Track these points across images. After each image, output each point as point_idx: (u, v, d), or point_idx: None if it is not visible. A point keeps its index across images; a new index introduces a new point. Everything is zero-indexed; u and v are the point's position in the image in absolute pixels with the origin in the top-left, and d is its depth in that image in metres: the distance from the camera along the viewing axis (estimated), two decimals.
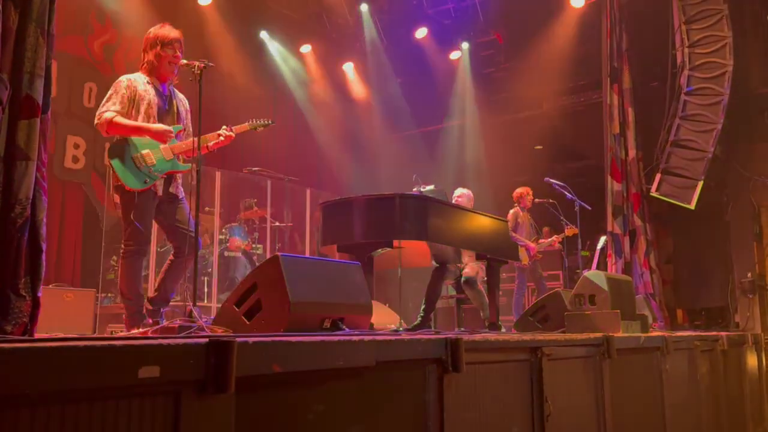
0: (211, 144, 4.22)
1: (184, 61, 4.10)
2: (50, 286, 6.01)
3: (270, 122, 4.55)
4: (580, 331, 4.36)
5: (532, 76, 10.18)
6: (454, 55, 11.20)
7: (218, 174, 7.92)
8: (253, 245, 8.03)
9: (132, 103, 4.06)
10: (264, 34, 10.31)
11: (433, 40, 10.93)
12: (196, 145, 3.90)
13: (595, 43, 8.46)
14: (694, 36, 7.04)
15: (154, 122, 4.09)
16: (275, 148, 10.48)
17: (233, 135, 4.30)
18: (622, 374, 4.04)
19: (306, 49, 10.91)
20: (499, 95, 11.13)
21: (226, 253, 7.73)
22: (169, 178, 4.15)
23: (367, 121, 11.60)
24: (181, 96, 4.41)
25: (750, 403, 6.44)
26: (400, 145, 11.46)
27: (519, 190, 8.54)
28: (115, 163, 4.00)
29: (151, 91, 4.15)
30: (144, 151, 4.06)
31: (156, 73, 4.21)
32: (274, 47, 10.52)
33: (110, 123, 3.97)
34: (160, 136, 4.05)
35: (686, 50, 7.05)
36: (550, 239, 8.47)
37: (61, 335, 3.09)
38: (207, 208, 7.81)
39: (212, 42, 9.38)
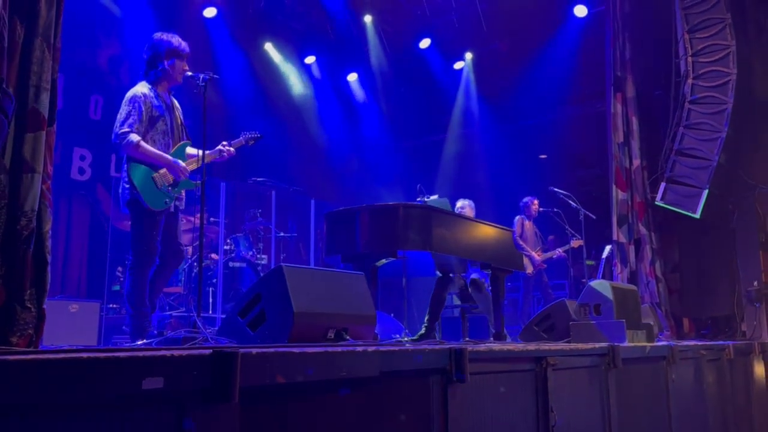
0: (208, 160, 4.30)
1: (189, 73, 4.16)
2: (55, 297, 6.02)
3: (259, 136, 4.69)
4: (585, 341, 4.35)
5: (536, 86, 10.19)
6: (458, 64, 11.23)
7: (223, 185, 7.95)
8: (258, 256, 8.03)
9: (147, 120, 4.12)
10: (269, 46, 10.37)
11: (436, 50, 10.97)
12: (200, 156, 3.99)
13: (598, 52, 8.48)
14: (697, 45, 7.04)
15: (167, 140, 4.21)
16: (280, 159, 10.51)
17: (233, 151, 4.45)
18: (627, 384, 4.02)
19: (310, 59, 10.96)
20: (503, 104, 11.15)
21: (230, 264, 7.74)
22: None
23: (372, 131, 11.62)
24: (177, 103, 4.45)
25: (758, 412, 6.40)
26: (404, 155, 11.48)
27: (525, 199, 8.56)
28: (137, 182, 4.04)
29: (163, 105, 4.24)
30: (162, 170, 4.15)
31: (163, 83, 4.28)
32: (278, 58, 10.57)
33: (136, 146, 4.02)
34: (177, 172, 4.14)
35: (690, 59, 7.04)
36: (554, 251, 8.47)
37: (66, 347, 3.10)
38: (212, 219, 7.83)
39: (217, 53, 9.43)
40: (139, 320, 4.08)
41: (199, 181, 4.15)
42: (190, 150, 4.36)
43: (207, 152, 4.07)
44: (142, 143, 4.04)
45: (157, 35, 4.31)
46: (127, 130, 4.03)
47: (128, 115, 4.06)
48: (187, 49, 4.28)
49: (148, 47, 4.31)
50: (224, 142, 4.45)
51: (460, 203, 6.99)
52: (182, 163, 4.18)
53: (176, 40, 4.28)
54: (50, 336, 4.75)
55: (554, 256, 8.45)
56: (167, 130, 4.22)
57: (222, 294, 7.41)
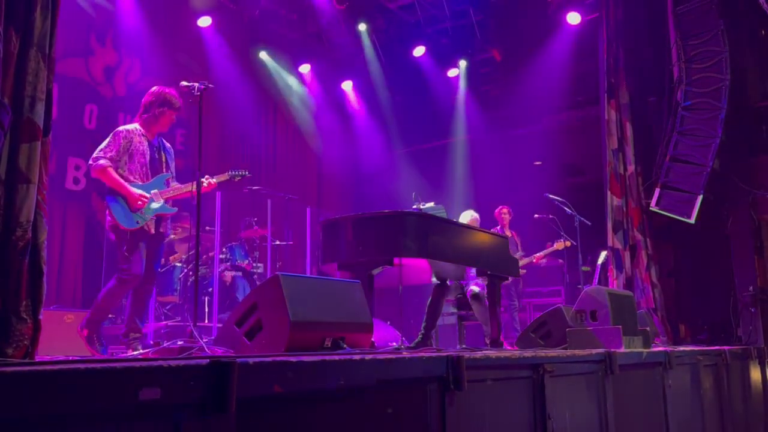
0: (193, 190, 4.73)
1: (185, 83, 4.26)
2: (51, 308, 5.99)
3: (246, 173, 5.18)
4: (581, 348, 4.35)
5: (530, 93, 10.22)
6: (452, 72, 11.27)
7: (218, 193, 7.94)
8: (254, 264, 8.02)
9: (126, 152, 4.61)
10: (263, 54, 10.38)
11: (431, 58, 11.00)
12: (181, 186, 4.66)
13: (592, 59, 8.52)
14: (690, 51, 7.08)
15: (145, 171, 4.67)
16: (275, 167, 10.52)
17: (214, 184, 4.87)
18: (624, 390, 4.03)
19: (305, 68, 10.98)
20: (498, 112, 11.18)
21: (226, 273, 7.70)
22: (159, 219, 4.69)
23: (366, 139, 11.64)
24: (168, 145, 4.96)
25: (755, 417, 6.40)
26: (400, 163, 11.49)
27: (498, 209, 8.57)
28: (111, 203, 4.53)
29: (145, 143, 4.71)
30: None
31: (152, 128, 4.76)
32: (273, 67, 10.58)
33: (103, 171, 4.51)
34: (133, 200, 4.53)
35: (683, 65, 7.08)
36: (531, 256, 8.47)
37: (62, 358, 3.08)
38: (207, 228, 7.81)
39: (212, 63, 9.44)
40: (96, 317, 4.53)
41: (175, 209, 4.75)
42: (174, 183, 4.81)
43: (188, 184, 4.64)
44: (109, 170, 4.51)
45: (158, 87, 4.81)
46: (101, 155, 4.54)
47: (107, 145, 4.59)
48: (180, 104, 4.78)
49: (149, 93, 4.80)
50: (207, 176, 4.84)
51: (467, 216, 6.93)
52: (141, 192, 4.57)
53: (172, 94, 4.75)
54: (46, 347, 4.72)
55: (534, 261, 8.46)
56: (146, 163, 4.69)
57: (218, 303, 7.38)
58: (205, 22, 9.28)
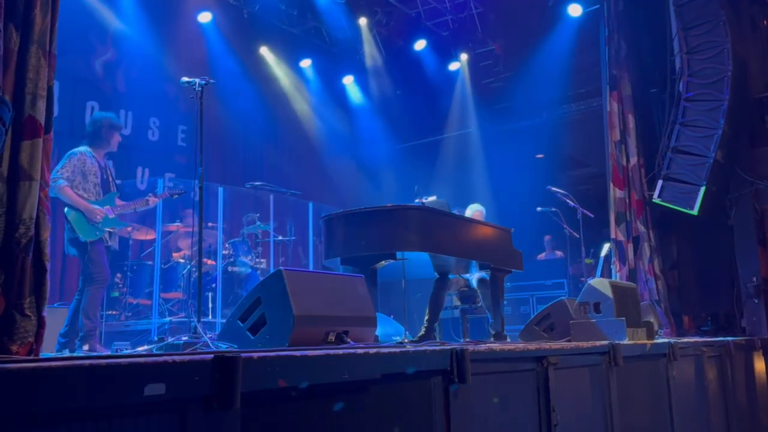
0: (139, 209, 5.44)
1: (185, 79, 4.26)
2: (54, 305, 6.00)
3: (182, 191, 5.75)
4: (585, 340, 4.35)
5: (532, 85, 10.20)
6: (453, 66, 11.25)
7: (221, 189, 7.94)
8: (257, 260, 8.02)
9: (80, 173, 5.07)
10: (264, 50, 10.37)
11: (432, 52, 10.98)
12: (132, 203, 5.37)
13: (593, 51, 8.49)
14: (692, 42, 7.05)
15: (98, 190, 5.15)
16: (277, 163, 10.51)
17: (157, 200, 5.52)
18: (629, 382, 4.03)
19: (306, 63, 10.96)
20: (499, 105, 11.16)
21: (229, 268, 7.71)
22: (111, 233, 5.16)
23: (368, 134, 11.62)
24: (110, 163, 5.49)
25: (760, 407, 6.40)
26: (402, 157, 11.49)
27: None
28: (72, 217, 4.95)
29: (96, 164, 5.19)
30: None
31: (101, 150, 5.25)
32: (274, 62, 10.56)
33: (62, 189, 4.93)
34: (91, 214, 5.00)
35: (685, 56, 7.05)
36: None
37: (67, 354, 3.09)
38: (210, 224, 7.81)
39: (212, 58, 9.42)
40: (90, 327, 4.87)
41: (127, 224, 5.36)
42: (119, 201, 5.30)
43: (136, 201, 5.38)
44: (67, 189, 4.95)
45: (101, 113, 5.41)
46: (58, 175, 4.93)
47: (63, 166, 5.01)
48: (122, 127, 5.43)
49: (92, 120, 5.36)
50: (151, 194, 5.49)
51: (472, 209, 6.88)
52: (98, 207, 5.06)
53: (116, 118, 5.35)
54: (50, 343, 4.75)
55: None
56: (98, 182, 5.16)
57: (221, 299, 7.39)
58: (205, 17, 9.26)
